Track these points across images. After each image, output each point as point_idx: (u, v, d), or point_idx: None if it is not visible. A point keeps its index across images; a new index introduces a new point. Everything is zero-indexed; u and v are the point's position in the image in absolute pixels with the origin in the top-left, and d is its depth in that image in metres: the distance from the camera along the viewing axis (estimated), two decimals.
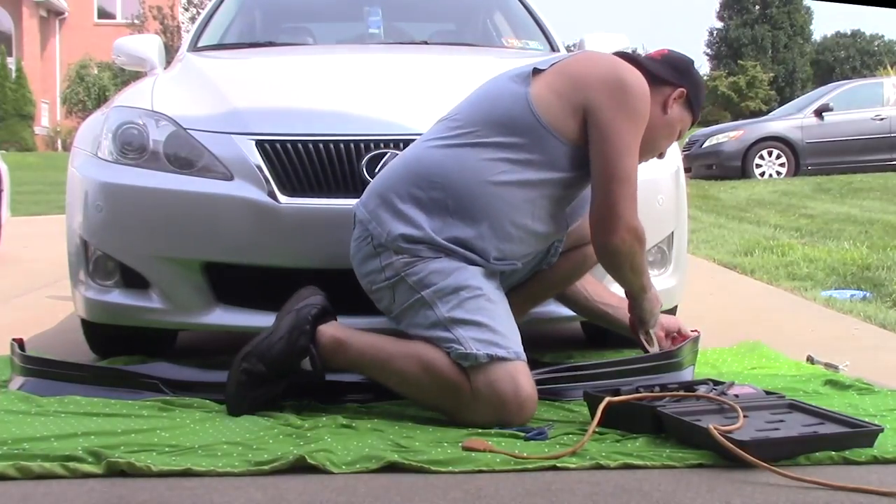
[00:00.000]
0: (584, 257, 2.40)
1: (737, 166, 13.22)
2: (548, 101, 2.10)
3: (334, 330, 2.12)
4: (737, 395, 2.01)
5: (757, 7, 41.52)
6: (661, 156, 2.38)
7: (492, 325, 2.03)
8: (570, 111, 2.10)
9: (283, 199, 2.40)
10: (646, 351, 2.41)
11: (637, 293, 2.33)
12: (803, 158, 13.12)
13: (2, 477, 1.66)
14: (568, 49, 3.63)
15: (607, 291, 2.54)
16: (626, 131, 2.09)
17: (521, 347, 2.04)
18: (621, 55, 2.25)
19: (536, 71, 2.16)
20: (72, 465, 1.69)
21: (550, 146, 2.10)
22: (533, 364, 2.37)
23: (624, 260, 2.19)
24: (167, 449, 1.79)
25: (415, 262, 2.08)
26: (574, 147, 2.12)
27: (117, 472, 1.68)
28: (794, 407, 1.98)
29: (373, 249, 2.14)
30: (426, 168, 2.13)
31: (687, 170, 10.36)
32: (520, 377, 1.99)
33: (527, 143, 2.10)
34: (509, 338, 2.04)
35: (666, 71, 2.26)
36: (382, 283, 2.12)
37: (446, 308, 2.04)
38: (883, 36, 47.08)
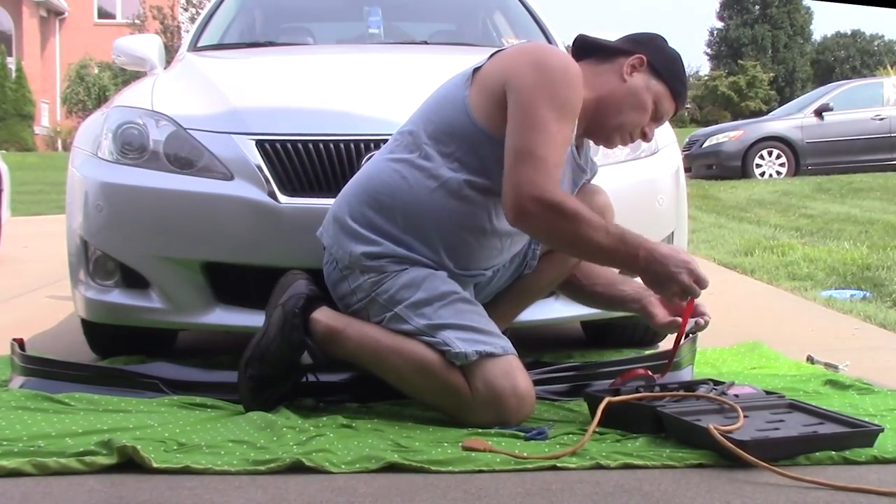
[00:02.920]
0: (566, 257, 2.30)
1: (737, 166, 13.23)
2: (482, 103, 2.04)
3: (327, 319, 2.10)
4: (737, 395, 2.01)
5: (757, 7, 41.49)
6: (645, 137, 2.20)
7: (474, 325, 2.02)
8: (503, 107, 2.01)
9: (283, 198, 2.40)
10: (681, 337, 2.20)
11: (621, 267, 2.13)
12: (803, 158, 13.13)
13: (19, 473, 1.66)
14: (567, 49, 3.63)
15: (604, 270, 2.36)
16: (543, 106, 1.96)
17: (509, 343, 2.03)
18: (579, 38, 2.22)
19: (478, 70, 2.09)
20: (88, 458, 1.69)
21: (493, 150, 2.02)
22: (533, 364, 2.37)
23: (540, 232, 2.04)
24: (175, 446, 1.80)
25: (382, 279, 2.07)
26: None
27: (122, 464, 1.68)
28: (794, 407, 1.98)
29: (340, 273, 2.13)
30: (375, 188, 2.11)
31: (687, 170, 10.36)
32: (516, 373, 1.99)
33: (471, 150, 2.05)
34: (494, 334, 2.03)
35: (621, 42, 2.19)
36: (356, 304, 2.11)
37: (423, 320, 2.02)
38: (883, 36, 47.13)
